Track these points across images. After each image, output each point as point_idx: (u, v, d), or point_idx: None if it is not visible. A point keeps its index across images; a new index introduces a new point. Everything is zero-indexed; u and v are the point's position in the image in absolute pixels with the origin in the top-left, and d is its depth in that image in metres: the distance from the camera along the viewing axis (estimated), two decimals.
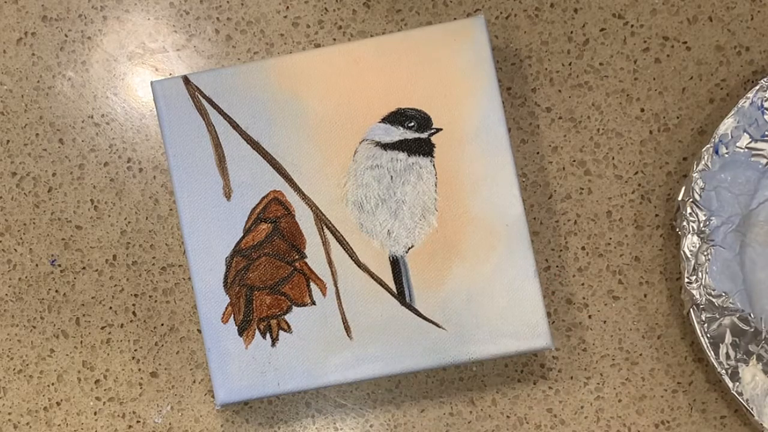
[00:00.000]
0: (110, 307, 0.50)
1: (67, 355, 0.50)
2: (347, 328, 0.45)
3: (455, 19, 0.50)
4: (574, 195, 0.50)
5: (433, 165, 0.45)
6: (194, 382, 0.49)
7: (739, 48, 0.50)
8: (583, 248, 0.50)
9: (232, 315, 0.45)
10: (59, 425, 0.49)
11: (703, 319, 0.47)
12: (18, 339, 0.50)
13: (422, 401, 0.49)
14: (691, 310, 0.47)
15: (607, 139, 0.50)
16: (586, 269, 0.49)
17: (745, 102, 0.47)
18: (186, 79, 0.46)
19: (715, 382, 0.49)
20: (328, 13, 0.50)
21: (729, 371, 0.46)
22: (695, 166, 0.47)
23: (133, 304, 0.50)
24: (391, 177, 0.45)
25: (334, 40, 0.50)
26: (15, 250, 0.50)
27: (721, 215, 0.47)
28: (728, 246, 0.47)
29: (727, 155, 0.47)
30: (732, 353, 0.47)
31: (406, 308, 0.45)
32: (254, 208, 0.45)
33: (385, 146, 0.45)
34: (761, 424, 0.46)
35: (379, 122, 0.45)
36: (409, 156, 0.45)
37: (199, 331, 0.49)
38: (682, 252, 0.47)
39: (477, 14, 0.50)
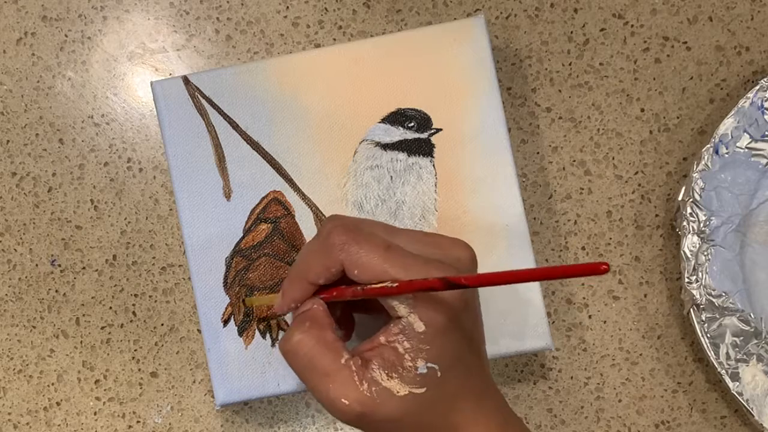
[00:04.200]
0: (110, 307, 0.50)
1: (67, 355, 0.50)
2: None
3: (455, 19, 0.50)
4: (574, 195, 0.50)
5: (433, 165, 0.45)
6: (194, 382, 0.49)
7: (739, 48, 0.50)
8: (583, 248, 0.50)
9: (232, 315, 0.45)
10: (59, 425, 0.49)
11: (703, 319, 0.47)
12: (18, 339, 0.50)
13: None
14: (691, 310, 0.47)
15: (607, 139, 0.50)
16: None
17: (745, 102, 0.47)
18: (186, 79, 0.46)
19: (715, 382, 0.49)
20: (328, 13, 0.50)
21: (729, 371, 0.46)
22: (695, 166, 0.47)
23: (133, 304, 0.50)
24: (391, 177, 0.45)
25: (334, 40, 0.50)
26: (15, 250, 0.50)
27: (721, 215, 0.47)
28: (728, 246, 0.47)
29: (727, 155, 0.47)
30: (732, 353, 0.47)
31: None
32: (254, 209, 0.45)
33: (385, 146, 0.45)
34: (761, 424, 0.46)
35: (379, 122, 0.45)
36: (409, 156, 0.45)
37: (199, 331, 0.49)
38: (682, 252, 0.47)
39: (477, 14, 0.50)
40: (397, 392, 0.35)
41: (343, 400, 0.35)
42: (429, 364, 0.35)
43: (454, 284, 0.32)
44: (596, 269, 0.28)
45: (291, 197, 0.45)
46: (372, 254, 0.34)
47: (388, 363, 0.35)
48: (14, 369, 0.50)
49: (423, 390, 0.35)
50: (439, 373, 0.35)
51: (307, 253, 0.37)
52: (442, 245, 0.36)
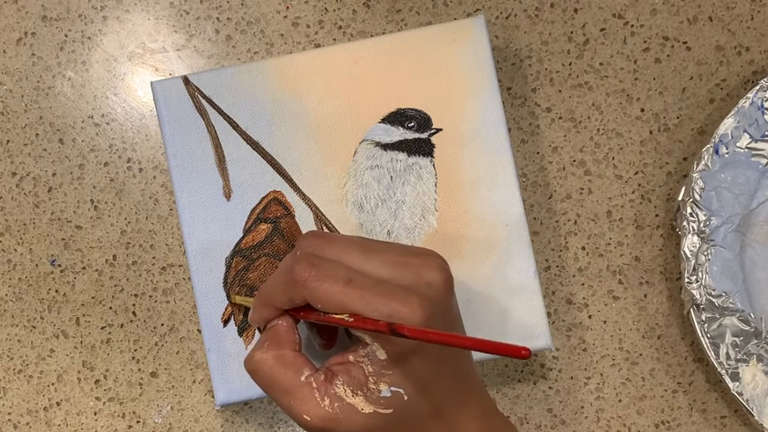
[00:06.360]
0: (110, 307, 0.50)
1: (67, 355, 0.50)
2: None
3: (455, 19, 0.50)
4: (574, 195, 0.50)
5: (433, 165, 0.45)
6: (194, 382, 0.49)
7: (739, 48, 0.50)
8: (583, 248, 0.50)
9: (232, 315, 0.45)
10: (59, 425, 0.49)
11: (703, 319, 0.47)
12: (18, 339, 0.50)
13: None
14: (691, 310, 0.47)
15: (607, 139, 0.50)
16: (586, 269, 0.49)
17: (745, 102, 0.47)
18: (186, 79, 0.46)
19: (715, 382, 0.49)
20: (328, 13, 0.50)
21: (729, 371, 0.46)
22: (695, 166, 0.47)
23: (133, 304, 0.50)
24: (391, 177, 0.45)
25: (334, 40, 0.50)
26: (15, 250, 0.50)
27: (721, 215, 0.47)
28: (728, 246, 0.47)
29: (727, 155, 0.47)
30: (732, 353, 0.47)
31: None
32: (254, 208, 0.45)
33: (385, 146, 0.45)
34: (761, 424, 0.46)
35: (379, 122, 0.45)
36: (409, 156, 0.45)
37: (199, 331, 0.49)
38: (682, 252, 0.47)
39: (477, 14, 0.50)
40: (362, 409, 0.35)
41: (304, 416, 0.35)
42: (393, 389, 0.35)
43: (397, 332, 0.33)
44: (517, 353, 0.30)
45: (291, 197, 0.45)
46: (332, 290, 0.35)
47: (355, 380, 0.36)
48: (14, 369, 0.50)
49: (389, 411, 0.35)
50: (405, 397, 0.36)
51: (274, 282, 0.37)
52: (415, 268, 0.36)
